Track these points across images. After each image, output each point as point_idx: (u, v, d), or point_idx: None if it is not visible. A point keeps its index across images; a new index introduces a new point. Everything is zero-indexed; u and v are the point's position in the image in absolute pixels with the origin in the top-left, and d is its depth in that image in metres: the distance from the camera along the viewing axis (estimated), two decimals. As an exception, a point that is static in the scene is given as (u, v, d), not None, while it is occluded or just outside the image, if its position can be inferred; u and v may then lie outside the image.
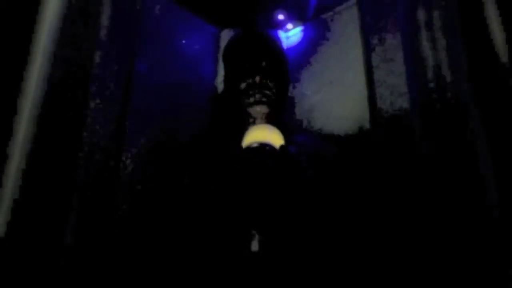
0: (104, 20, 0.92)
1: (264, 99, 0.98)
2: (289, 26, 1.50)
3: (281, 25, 1.52)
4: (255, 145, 0.83)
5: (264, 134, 0.86)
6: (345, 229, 0.92)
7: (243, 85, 1.00)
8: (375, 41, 0.95)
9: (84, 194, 0.80)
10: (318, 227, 0.87)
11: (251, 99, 0.97)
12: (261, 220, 0.84)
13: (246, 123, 1.01)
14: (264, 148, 0.83)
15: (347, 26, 1.36)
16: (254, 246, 0.81)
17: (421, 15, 0.80)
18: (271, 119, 1.01)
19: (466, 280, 0.63)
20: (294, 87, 1.33)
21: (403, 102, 0.86)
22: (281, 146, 0.85)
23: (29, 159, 0.66)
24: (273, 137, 0.86)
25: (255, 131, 0.89)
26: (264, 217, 0.85)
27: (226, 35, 1.59)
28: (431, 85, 0.77)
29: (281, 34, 1.52)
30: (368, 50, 0.98)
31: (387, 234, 0.83)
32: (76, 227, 0.73)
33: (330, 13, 1.42)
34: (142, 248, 0.93)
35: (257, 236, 0.82)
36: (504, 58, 0.65)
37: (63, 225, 0.70)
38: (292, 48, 1.48)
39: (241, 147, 0.85)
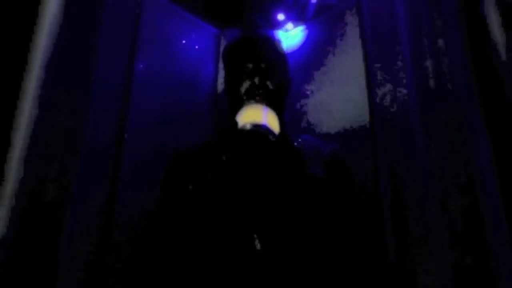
0: (104, 21, 0.92)
1: (264, 100, 0.98)
2: (289, 26, 1.50)
3: (281, 25, 1.52)
4: (248, 126, 0.84)
5: (258, 115, 0.87)
6: (346, 228, 0.91)
7: (243, 87, 1.00)
8: (374, 41, 0.95)
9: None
10: (318, 225, 0.87)
11: (252, 101, 0.97)
12: (262, 225, 0.84)
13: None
14: (259, 131, 0.83)
15: (347, 26, 1.36)
16: (257, 248, 0.81)
17: (422, 21, 0.80)
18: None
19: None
20: (294, 87, 1.32)
21: (403, 102, 0.86)
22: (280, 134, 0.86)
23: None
24: (268, 118, 0.87)
25: (249, 111, 0.90)
26: (265, 222, 0.85)
27: (226, 35, 1.59)
28: (432, 85, 0.77)
29: (282, 34, 1.52)
30: (367, 50, 0.98)
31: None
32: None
33: (330, 13, 1.42)
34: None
35: (259, 239, 0.82)
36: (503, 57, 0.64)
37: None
38: (293, 48, 1.48)
39: (236, 127, 0.85)
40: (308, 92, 1.42)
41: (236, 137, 0.84)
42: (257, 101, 0.98)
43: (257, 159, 0.86)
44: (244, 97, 1.00)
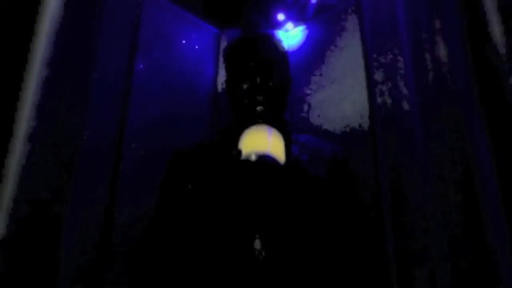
0: (105, 21, 0.92)
1: (265, 100, 0.98)
2: (289, 26, 1.50)
3: (281, 25, 1.52)
4: (253, 157, 0.79)
5: (263, 142, 0.82)
6: (346, 228, 0.91)
7: (244, 87, 1.00)
8: (374, 41, 0.95)
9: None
10: (318, 225, 0.87)
11: (252, 101, 0.97)
12: (262, 224, 0.84)
13: (247, 124, 1.01)
14: (264, 163, 0.79)
15: (347, 26, 1.36)
16: (257, 249, 0.81)
17: (422, 21, 0.80)
18: (273, 120, 1.01)
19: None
20: (294, 87, 1.33)
21: (403, 102, 0.86)
22: (285, 163, 0.82)
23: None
24: (273, 145, 0.83)
25: (253, 136, 0.85)
26: (265, 222, 0.85)
27: (226, 35, 1.59)
28: (432, 85, 0.77)
29: (282, 34, 1.52)
30: (367, 50, 0.98)
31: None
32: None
33: (330, 13, 1.42)
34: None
35: (260, 239, 0.82)
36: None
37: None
38: (293, 48, 1.48)
39: (239, 156, 0.81)
40: (308, 92, 1.42)
41: (240, 168, 0.81)
42: (258, 101, 0.97)
43: (262, 191, 0.84)
44: (245, 97, 0.99)
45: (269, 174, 0.80)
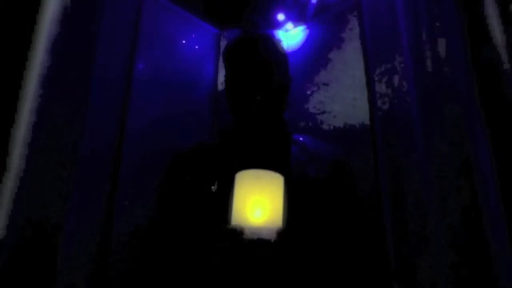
0: (104, 21, 0.92)
1: (264, 101, 0.98)
2: (289, 26, 1.50)
3: (281, 25, 1.52)
4: (248, 233, 0.73)
5: (258, 212, 0.75)
6: (346, 228, 0.91)
7: (243, 87, 1.00)
8: (374, 41, 0.95)
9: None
10: (318, 226, 0.87)
11: (251, 101, 0.97)
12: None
13: (247, 124, 1.01)
14: (258, 245, 0.73)
15: (347, 26, 1.36)
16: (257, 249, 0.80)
17: (422, 21, 0.80)
18: (272, 120, 1.01)
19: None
20: (294, 87, 1.33)
21: (403, 102, 0.86)
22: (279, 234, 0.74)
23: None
24: (269, 209, 0.76)
25: (247, 200, 0.77)
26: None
27: (226, 35, 1.59)
28: (432, 85, 0.77)
29: (282, 34, 1.52)
30: (367, 50, 0.98)
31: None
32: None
33: (331, 14, 1.42)
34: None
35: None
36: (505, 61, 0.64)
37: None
38: (293, 48, 1.48)
39: (231, 233, 0.75)
40: (308, 92, 1.41)
41: (235, 249, 0.76)
42: (258, 101, 0.97)
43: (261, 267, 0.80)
44: (245, 98, 0.99)
45: (264, 256, 0.76)
